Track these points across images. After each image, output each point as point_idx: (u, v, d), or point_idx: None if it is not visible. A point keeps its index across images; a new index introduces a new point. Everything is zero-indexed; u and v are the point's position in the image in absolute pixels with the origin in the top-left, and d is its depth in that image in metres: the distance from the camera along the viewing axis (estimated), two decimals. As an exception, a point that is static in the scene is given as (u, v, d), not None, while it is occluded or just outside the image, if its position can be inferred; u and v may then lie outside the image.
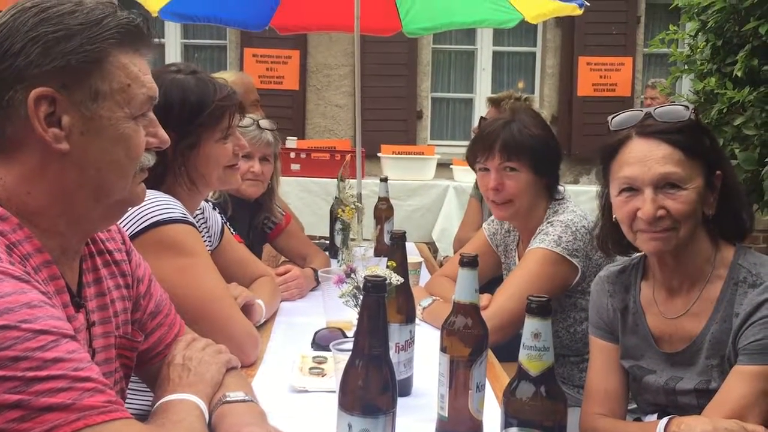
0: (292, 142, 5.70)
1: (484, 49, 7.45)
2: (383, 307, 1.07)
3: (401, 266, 1.54)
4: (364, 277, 1.05)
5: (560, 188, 2.20)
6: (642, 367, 1.66)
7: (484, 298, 1.98)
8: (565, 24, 7.12)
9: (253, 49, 6.99)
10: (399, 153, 5.73)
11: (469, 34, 7.44)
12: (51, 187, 1.07)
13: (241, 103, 1.91)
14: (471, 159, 2.23)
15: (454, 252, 3.61)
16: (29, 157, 1.05)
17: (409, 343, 1.56)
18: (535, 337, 1.02)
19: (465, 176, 5.46)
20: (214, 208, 2.46)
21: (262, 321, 2.04)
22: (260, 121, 2.61)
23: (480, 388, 1.32)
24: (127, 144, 1.10)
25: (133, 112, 1.10)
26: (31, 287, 0.97)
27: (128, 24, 1.09)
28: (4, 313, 0.91)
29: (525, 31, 7.36)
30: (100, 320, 1.22)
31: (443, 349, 1.34)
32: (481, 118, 3.43)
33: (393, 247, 1.56)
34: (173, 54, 7.26)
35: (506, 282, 2.08)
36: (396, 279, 1.45)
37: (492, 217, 2.40)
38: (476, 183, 3.45)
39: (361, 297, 1.14)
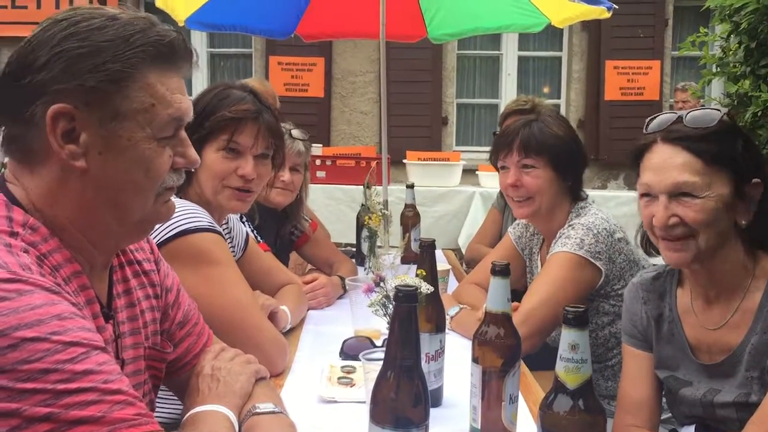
0: (317, 149, 5.69)
1: (509, 54, 7.41)
2: (415, 317, 1.05)
3: (431, 274, 1.52)
4: (396, 287, 1.03)
5: (584, 193, 2.17)
6: (678, 378, 1.61)
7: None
8: (591, 28, 7.06)
9: (278, 57, 7.02)
10: (424, 159, 5.68)
11: (494, 40, 7.41)
12: (72, 203, 1.06)
13: (276, 131, 1.87)
14: (494, 159, 2.21)
15: (466, 261, 3.54)
16: (51, 171, 1.05)
17: (440, 353, 1.53)
18: (572, 349, 0.99)
19: (491, 182, 5.41)
20: (241, 218, 2.46)
21: (288, 328, 2.03)
22: (292, 131, 2.61)
23: (513, 399, 1.29)
24: (147, 165, 1.07)
25: (155, 133, 1.07)
26: (61, 299, 0.96)
27: (158, 41, 1.06)
28: (34, 325, 0.90)
29: (550, 35, 7.32)
30: (129, 331, 1.21)
31: (475, 360, 1.31)
32: (494, 133, 3.35)
33: (422, 255, 1.54)
34: (200, 63, 7.30)
35: (532, 288, 2.05)
36: (426, 288, 1.43)
37: (518, 221, 2.37)
38: (499, 193, 3.40)
39: (391, 306, 1.12)
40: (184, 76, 1.12)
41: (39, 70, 1.01)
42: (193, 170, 1.81)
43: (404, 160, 5.65)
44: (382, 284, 1.52)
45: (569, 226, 2.07)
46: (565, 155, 2.10)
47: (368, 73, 7.22)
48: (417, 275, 1.48)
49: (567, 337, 1.00)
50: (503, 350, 1.28)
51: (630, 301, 1.72)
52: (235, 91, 1.84)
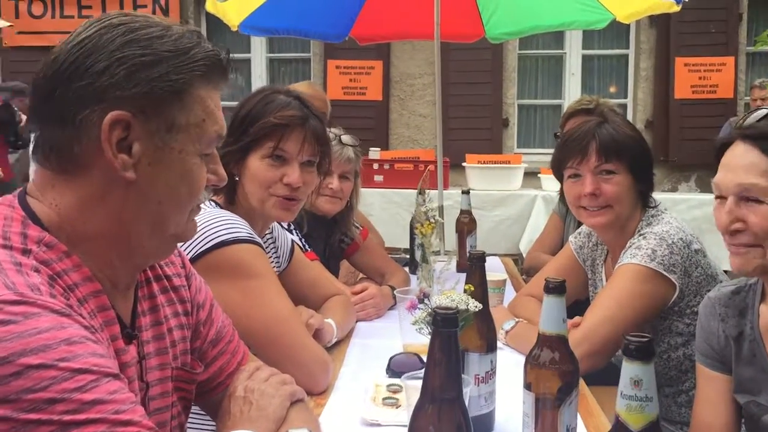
0: (375, 153, 5.64)
1: (573, 52, 7.19)
2: (456, 344, 0.94)
3: (480, 289, 1.40)
4: (434, 309, 0.92)
5: (654, 200, 2.00)
6: (760, 404, 1.45)
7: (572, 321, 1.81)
8: (659, 24, 6.78)
9: (336, 61, 7.00)
10: (484, 162, 5.57)
11: (557, 38, 7.20)
12: (108, 214, 1.01)
13: (322, 137, 1.80)
14: (558, 166, 2.04)
15: (525, 271, 3.37)
16: (92, 181, 1.00)
17: (490, 375, 1.41)
18: (635, 385, 0.86)
19: (553, 185, 5.20)
20: (289, 226, 2.39)
21: (334, 341, 1.94)
22: (342, 137, 2.52)
23: (570, 430, 1.16)
24: (191, 180, 1.05)
25: (201, 149, 1.05)
26: (71, 321, 0.89)
27: (214, 56, 1.04)
28: (40, 351, 0.83)
29: (616, 32, 7.07)
30: (155, 351, 1.14)
31: (527, 386, 1.19)
32: (555, 134, 3.19)
33: (471, 269, 1.42)
34: (259, 68, 7.36)
35: (595, 303, 1.89)
36: (474, 305, 1.31)
37: (579, 230, 2.21)
38: (560, 197, 3.23)
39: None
40: (222, 95, 1.11)
41: (99, 74, 0.96)
42: (236, 179, 1.77)
43: (464, 164, 5.53)
44: (426, 301, 1.41)
45: (640, 235, 1.90)
46: (642, 157, 1.94)
47: (427, 75, 7.11)
48: (465, 291, 1.37)
49: (629, 371, 0.87)
50: (558, 376, 1.15)
51: (706, 318, 1.56)
52: (280, 96, 1.77)
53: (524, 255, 5.12)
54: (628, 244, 1.90)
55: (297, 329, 1.63)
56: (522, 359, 1.87)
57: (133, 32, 0.99)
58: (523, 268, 3.35)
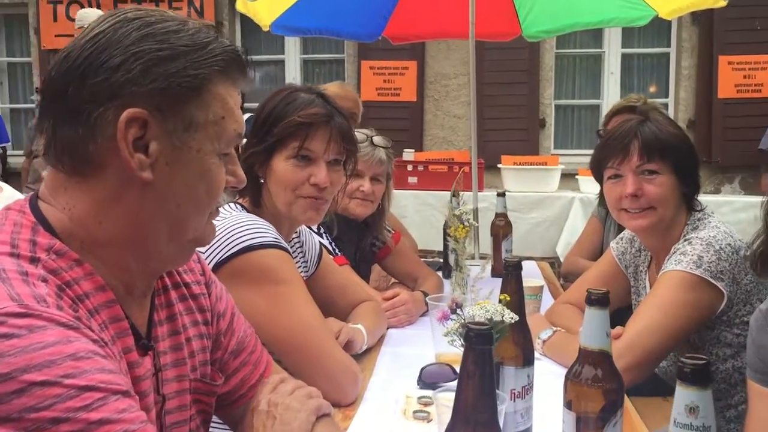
0: (409, 154, 5.58)
1: (612, 51, 7.02)
2: (490, 361, 0.87)
3: (516, 299, 1.32)
4: (467, 325, 0.85)
5: (699, 203, 1.89)
6: (818, 425, 1.35)
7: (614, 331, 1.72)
8: (702, 21, 6.58)
9: (370, 62, 6.94)
10: (520, 163, 5.47)
11: (595, 37, 7.04)
12: (125, 218, 0.96)
13: (348, 135, 1.74)
14: (597, 166, 1.94)
15: (563, 276, 3.26)
16: (107, 182, 0.95)
17: (527, 390, 1.33)
18: (690, 413, 0.78)
19: (591, 187, 5.10)
20: (318, 230, 2.33)
21: (364, 348, 1.88)
22: (374, 138, 2.46)
23: (614, 453, 1.08)
24: (210, 180, 1.00)
25: (221, 148, 1.00)
26: (79, 335, 0.84)
27: (232, 52, 1.00)
28: (44, 367, 0.78)
29: (657, 30, 6.88)
30: (172, 362, 1.09)
31: (567, 405, 1.11)
32: (597, 132, 3.08)
33: (507, 278, 1.34)
34: (293, 69, 7.34)
35: (638, 312, 1.79)
36: (509, 316, 1.23)
37: (621, 235, 2.10)
38: (600, 199, 3.12)
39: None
40: (240, 92, 1.06)
41: (114, 70, 0.91)
42: (262, 181, 1.71)
43: (499, 165, 5.44)
44: (459, 311, 1.34)
45: (685, 240, 1.79)
46: (687, 157, 1.83)
47: (462, 75, 7.01)
48: (500, 300, 1.29)
49: (684, 397, 0.79)
50: (602, 395, 1.07)
51: (757, 330, 1.46)
52: (302, 95, 1.71)
53: (561, 259, 5.02)
54: (672, 250, 1.80)
55: (325, 338, 1.57)
56: (560, 370, 1.81)
57: (149, 26, 0.94)
58: (561, 273, 3.24)
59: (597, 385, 1.08)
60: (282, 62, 7.35)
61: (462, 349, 1.33)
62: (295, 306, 1.55)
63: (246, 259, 1.52)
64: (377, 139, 2.46)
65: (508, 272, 1.35)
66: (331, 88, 2.55)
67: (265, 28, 3.53)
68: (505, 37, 4.13)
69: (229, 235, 1.54)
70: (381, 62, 6.90)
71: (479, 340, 0.85)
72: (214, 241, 1.55)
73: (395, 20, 3.93)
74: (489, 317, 1.22)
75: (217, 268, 1.54)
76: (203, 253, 1.56)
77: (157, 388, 1.04)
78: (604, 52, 7.05)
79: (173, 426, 1.09)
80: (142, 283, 1.04)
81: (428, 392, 1.60)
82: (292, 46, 7.28)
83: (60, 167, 0.96)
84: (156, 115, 0.93)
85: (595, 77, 7.19)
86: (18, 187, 2.66)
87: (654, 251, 1.96)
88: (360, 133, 2.43)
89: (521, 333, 1.31)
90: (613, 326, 2.02)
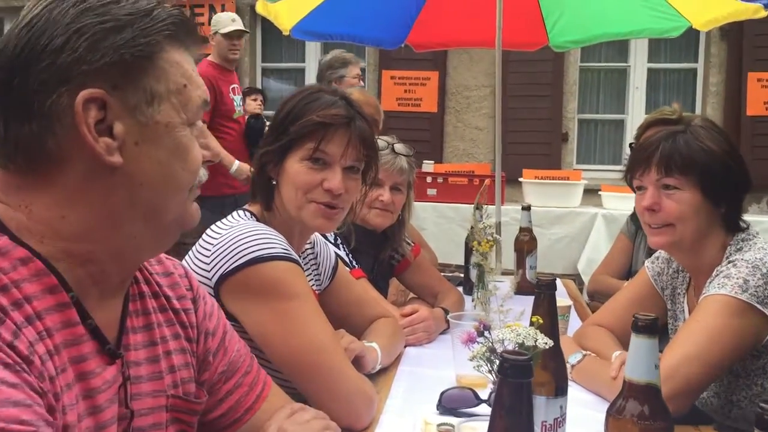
0: (429, 165, 5.49)
1: (638, 66, 6.88)
2: (528, 396, 0.76)
3: (549, 322, 1.20)
4: (502, 355, 0.74)
5: (745, 222, 1.75)
6: None
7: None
8: (731, 36, 6.43)
9: (391, 72, 6.85)
10: (542, 178, 5.37)
11: (620, 51, 6.91)
12: (93, 209, 0.87)
13: (369, 139, 1.62)
14: (629, 177, 1.84)
15: (589, 294, 3.12)
16: (70, 175, 0.85)
17: (560, 422, 1.21)
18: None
19: (615, 203, 5.00)
20: (335, 241, 2.23)
21: (378, 368, 1.77)
22: (395, 145, 2.35)
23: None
24: (185, 155, 0.92)
25: (189, 118, 0.92)
26: None
27: (179, 15, 0.93)
28: None
29: (684, 45, 6.74)
30: (148, 375, 0.98)
31: (609, 444, 0.99)
32: (630, 145, 2.94)
33: (539, 298, 1.23)
34: (313, 77, 7.25)
35: (678, 338, 1.66)
36: (543, 341, 1.12)
37: (657, 254, 1.97)
38: (629, 217, 2.99)
39: (496, 370, 0.83)
40: (195, 58, 0.98)
41: (58, 52, 0.83)
42: (274, 183, 1.61)
43: (520, 179, 5.33)
44: (486, 334, 1.22)
45: (729, 262, 1.66)
46: (719, 175, 1.70)
47: (484, 87, 6.90)
48: (532, 323, 1.17)
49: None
50: (649, 435, 0.95)
51: None
52: (325, 95, 1.60)
53: (583, 276, 4.89)
54: (715, 272, 1.67)
55: (337, 358, 1.45)
56: (589, 398, 1.68)
57: (85, 1, 0.85)
58: (588, 291, 3.11)
59: (644, 422, 0.96)
60: (302, 70, 7.28)
61: (487, 374, 1.22)
62: (305, 323, 1.44)
63: (253, 271, 1.42)
64: (399, 147, 2.35)
65: (541, 292, 1.23)
66: (353, 94, 2.44)
67: (285, 32, 3.45)
68: (532, 46, 4.03)
69: (234, 246, 1.43)
70: (402, 72, 6.82)
71: (516, 373, 0.74)
72: (219, 252, 1.45)
73: (419, 27, 3.83)
74: (521, 341, 1.11)
75: (221, 281, 1.43)
76: (207, 264, 1.46)
77: (125, 401, 0.93)
78: (629, 66, 6.91)
79: None
80: (117, 277, 0.94)
81: (449, 419, 1.48)
82: (313, 54, 7.20)
83: (12, 167, 0.86)
84: (114, 93, 0.85)
85: (620, 92, 7.05)
86: None
87: (692, 272, 1.83)
88: (381, 140, 2.33)
89: (554, 359, 1.19)
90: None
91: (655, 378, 0.97)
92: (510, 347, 1.12)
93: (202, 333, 1.10)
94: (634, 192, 1.81)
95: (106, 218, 0.88)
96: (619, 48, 6.86)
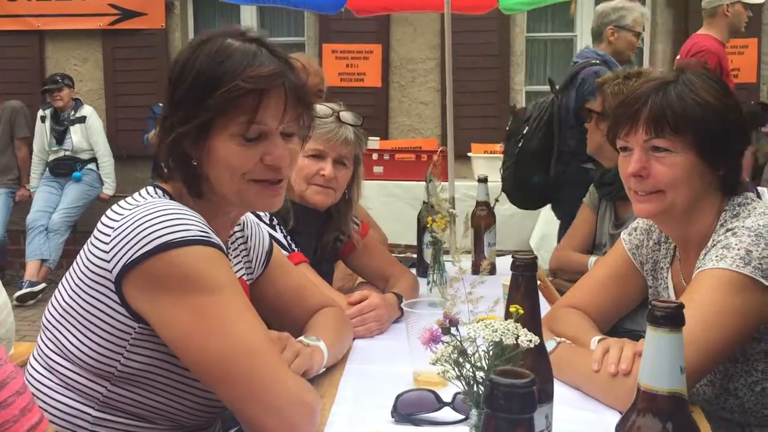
0: (374, 142, 5.29)
1: (585, 36, 6.74)
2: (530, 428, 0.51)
3: (531, 312, 0.97)
4: (491, 380, 0.49)
5: (745, 182, 1.53)
6: None
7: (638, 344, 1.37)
8: (678, 4, 6.36)
9: (332, 45, 6.57)
10: (492, 152, 5.22)
11: (567, 21, 6.76)
12: None
13: (304, 94, 1.31)
14: (611, 135, 1.59)
15: (552, 272, 2.90)
16: None
17: (545, 434, 0.98)
18: None
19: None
20: (270, 221, 1.95)
21: (323, 369, 1.52)
22: (341, 113, 2.06)
23: None
24: None
25: None
26: None
27: None
28: None
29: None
30: None
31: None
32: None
33: (516, 283, 0.99)
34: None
35: None
36: (527, 338, 0.88)
37: (635, 225, 1.74)
38: (593, 185, 2.76)
39: (482, 410, 0.58)
40: None
41: None
42: (195, 163, 1.31)
43: (469, 154, 5.15)
44: (454, 330, 0.97)
45: (727, 230, 1.44)
46: (717, 133, 1.47)
47: (429, 60, 6.67)
48: (510, 314, 0.93)
49: None
50: (673, 458, 0.72)
51: None
52: (236, 44, 1.26)
53: (536, 251, 4.74)
54: (711, 242, 1.45)
55: (270, 361, 1.19)
56: (569, 393, 1.45)
57: None
58: (549, 269, 2.89)
59: (667, 443, 0.72)
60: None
61: (455, 382, 0.97)
62: (229, 321, 1.17)
63: (163, 260, 1.14)
64: (345, 115, 2.07)
65: (519, 274, 0.99)
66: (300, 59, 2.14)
67: (219, -2, 3.14)
68: (480, 9, 3.83)
69: (140, 229, 1.15)
70: (344, 45, 6.54)
71: (512, 405, 0.49)
72: (120, 237, 1.17)
73: (360, -10, 3.56)
74: (498, 338, 0.86)
75: (124, 272, 1.15)
76: (106, 253, 1.18)
77: None
78: (576, 36, 6.79)
79: None
80: None
81: (407, 428, 1.24)
82: (249, 22, 6.84)
83: None
84: None
85: (567, 63, 6.89)
86: None
87: (679, 243, 1.60)
88: (326, 107, 2.06)
89: (538, 360, 0.95)
90: (619, 333, 1.71)
91: (680, 385, 0.73)
92: (484, 347, 0.87)
93: None
94: (617, 152, 1.57)
95: None
96: (565, 19, 6.73)
